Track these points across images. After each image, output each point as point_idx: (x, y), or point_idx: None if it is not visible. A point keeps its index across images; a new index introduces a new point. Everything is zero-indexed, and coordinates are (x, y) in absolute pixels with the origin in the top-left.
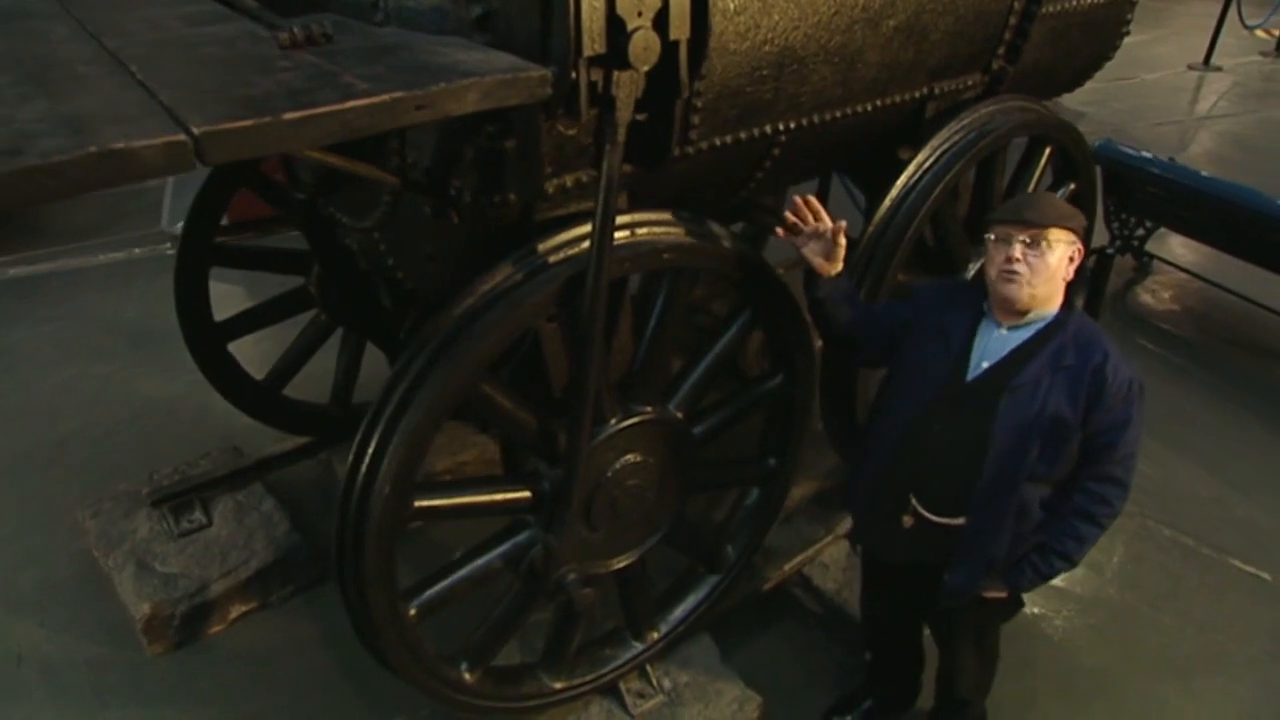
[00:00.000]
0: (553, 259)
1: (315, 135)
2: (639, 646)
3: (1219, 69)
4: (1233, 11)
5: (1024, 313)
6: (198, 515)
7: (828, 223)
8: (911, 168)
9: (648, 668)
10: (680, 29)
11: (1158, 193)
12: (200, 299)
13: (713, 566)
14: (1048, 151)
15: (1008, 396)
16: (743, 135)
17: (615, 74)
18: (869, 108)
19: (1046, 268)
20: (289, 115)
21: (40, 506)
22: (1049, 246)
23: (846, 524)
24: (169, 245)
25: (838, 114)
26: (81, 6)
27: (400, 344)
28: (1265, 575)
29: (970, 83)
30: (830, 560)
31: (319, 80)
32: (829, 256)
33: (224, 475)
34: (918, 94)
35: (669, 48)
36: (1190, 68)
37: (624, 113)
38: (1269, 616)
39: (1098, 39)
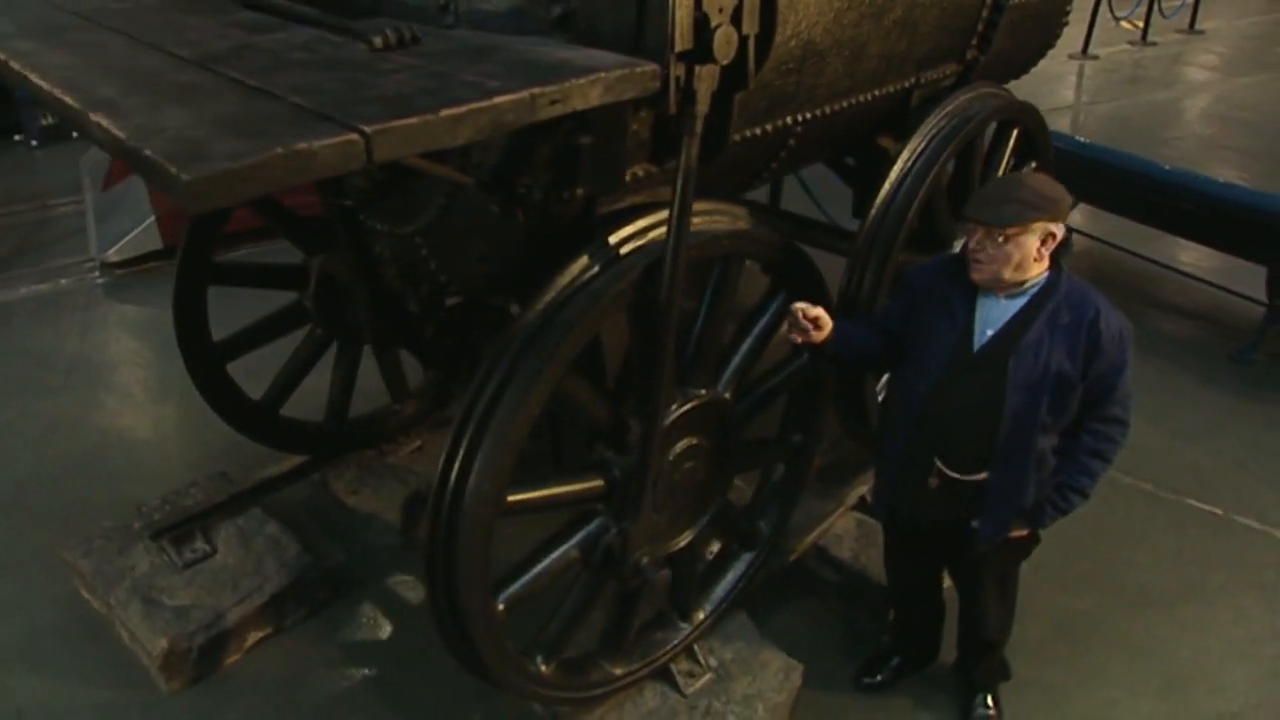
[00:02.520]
0: (624, 250)
1: (469, 131)
2: (686, 628)
3: (1096, 57)
4: (1104, 4)
5: (1008, 285)
6: (200, 544)
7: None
8: (906, 154)
9: (695, 647)
10: (751, 24)
11: (1074, 168)
12: (199, 320)
13: (747, 544)
14: (1015, 133)
15: (1014, 360)
16: (769, 127)
17: (696, 68)
18: (869, 97)
19: (1008, 257)
20: (446, 112)
21: (7, 554)
22: (1009, 240)
23: (854, 496)
24: (98, 274)
25: (844, 104)
26: (110, 20)
27: (425, 346)
28: (1218, 510)
29: (948, 72)
30: (842, 531)
31: (440, 80)
32: (819, 328)
33: (223, 501)
34: (907, 83)
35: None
36: (1071, 57)
37: (703, 105)
38: (1227, 547)
39: (1045, 29)
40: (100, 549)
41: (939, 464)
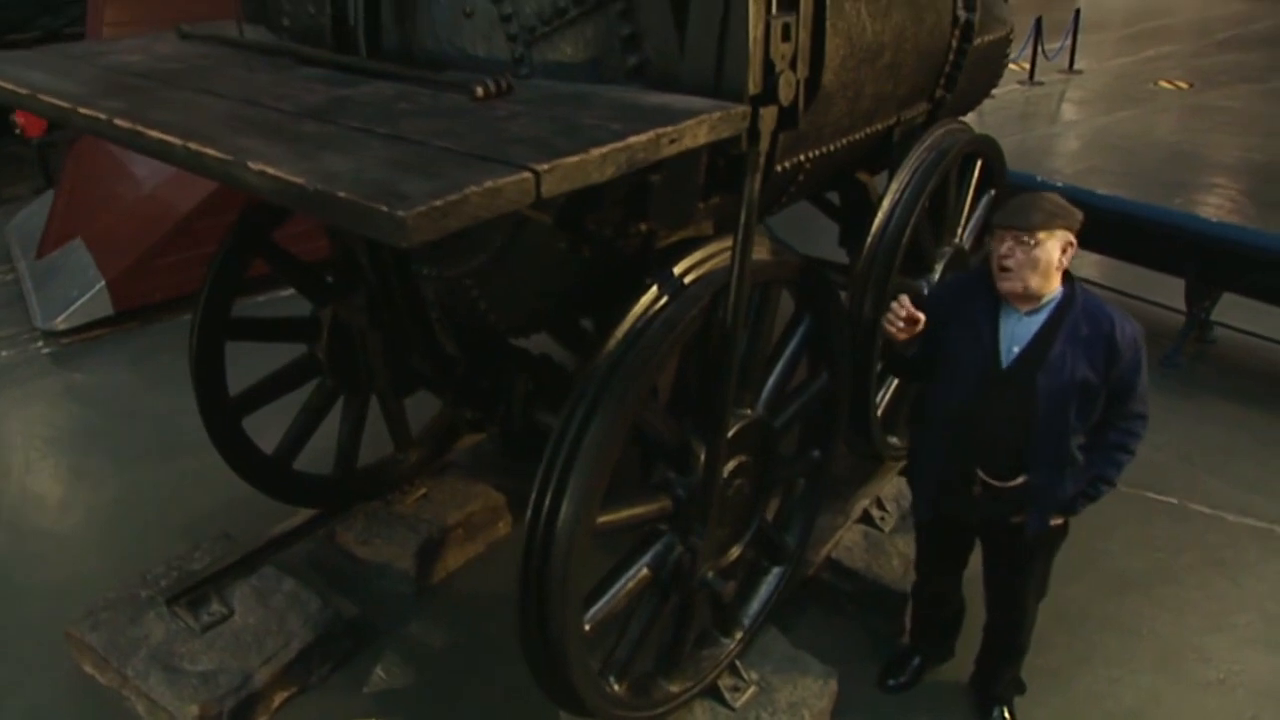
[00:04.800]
0: (688, 280)
1: (612, 168)
2: (729, 643)
3: (992, 96)
4: None
5: (1031, 299)
6: (217, 607)
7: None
8: (895, 186)
9: (736, 663)
10: (803, 69)
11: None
12: (218, 376)
13: (777, 558)
14: (979, 164)
15: (1042, 375)
16: (787, 164)
17: (760, 109)
18: (862, 135)
19: (1037, 263)
20: (596, 151)
21: None
22: (1038, 244)
23: (859, 509)
24: (42, 344)
25: (844, 141)
26: (177, 79)
27: (458, 386)
28: (1173, 500)
29: (921, 110)
30: (852, 544)
31: (563, 124)
32: (913, 325)
33: (236, 561)
34: (891, 121)
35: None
36: None
37: (765, 143)
38: (1188, 532)
39: (992, 69)
40: (108, 620)
41: (980, 474)
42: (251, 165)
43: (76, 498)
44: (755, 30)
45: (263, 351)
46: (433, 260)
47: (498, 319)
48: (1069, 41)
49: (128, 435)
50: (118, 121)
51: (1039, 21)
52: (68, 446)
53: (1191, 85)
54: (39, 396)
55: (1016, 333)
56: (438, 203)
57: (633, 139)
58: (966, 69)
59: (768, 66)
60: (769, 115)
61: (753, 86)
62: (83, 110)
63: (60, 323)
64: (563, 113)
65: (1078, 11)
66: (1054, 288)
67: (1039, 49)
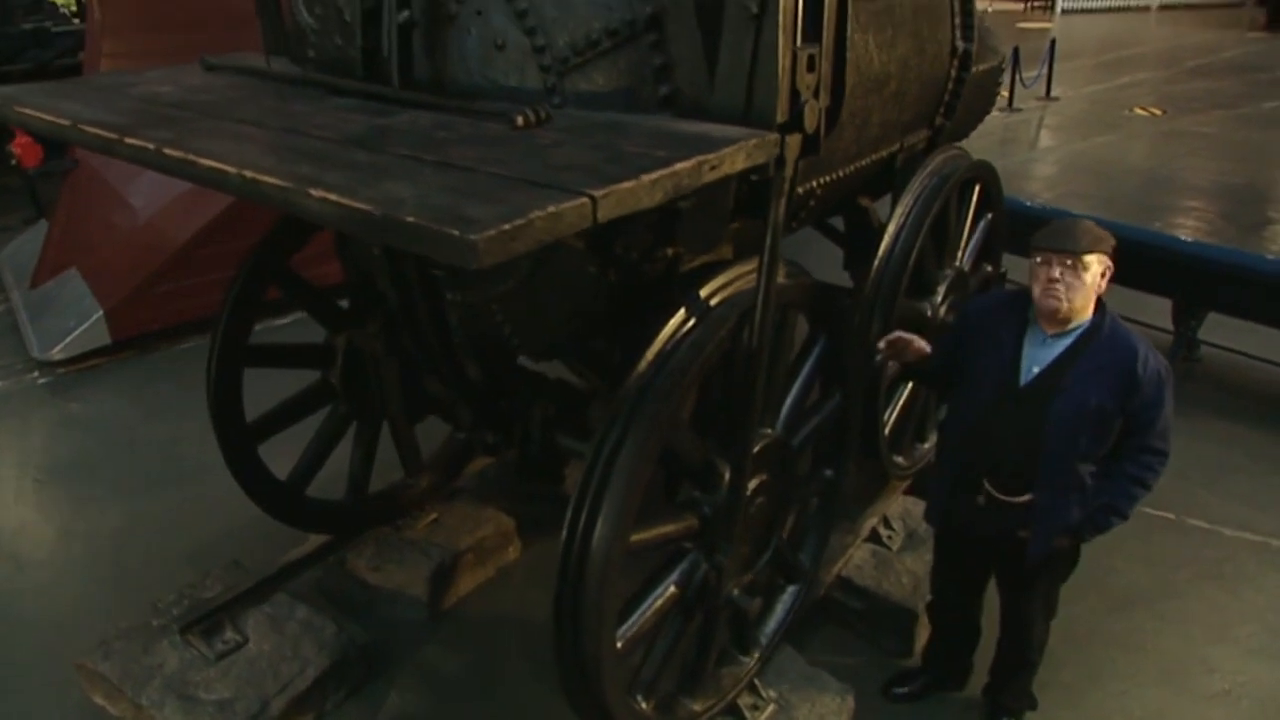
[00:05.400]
0: (713, 302)
1: (660, 194)
2: (748, 662)
3: None
4: None
5: (1065, 322)
6: (231, 635)
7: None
8: (900, 210)
9: (755, 681)
10: (825, 98)
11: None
12: (235, 402)
13: (792, 577)
14: (978, 188)
15: (1057, 398)
16: (800, 190)
17: (786, 137)
18: (868, 161)
19: (1083, 285)
20: (647, 177)
21: (5, 669)
22: (1084, 267)
23: (867, 528)
24: (38, 374)
25: (851, 168)
26: (215, 110)
27: (478, 409)
28: (1171, 515)
29: (922, 136)
30: (861, 562)
31: (608, 152)
32: (916, 350)
33: (250, 589)
34: (895, 148)
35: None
36: None
37: (790, 169)
38: (1186, 546)
39: (986, 96)
40: (121, 650)
41: (986, 485)
42: (313, 192)
43: (78, 528)
44: (784, 61)
45: (264, 377)
46: (458, 285)
47: (521, 342)
48: (1045, 70)
49: (127, 464)
50: (168, 151)
51: (1016, 51)
52: (67, 476)
53: (1165, 111)
54: (36, 427)
55: (1039, 354)
56: (506, 226)
57: (678, 165)
58: (964, 97)
59: (794, 95)
60: (794, 142)
61: (780, 115)
62: (129, 140)
63: (57, 353)
64: (603, 140)
65: (1053, 41)
66: (1088, 314)
67: (1017, 77)
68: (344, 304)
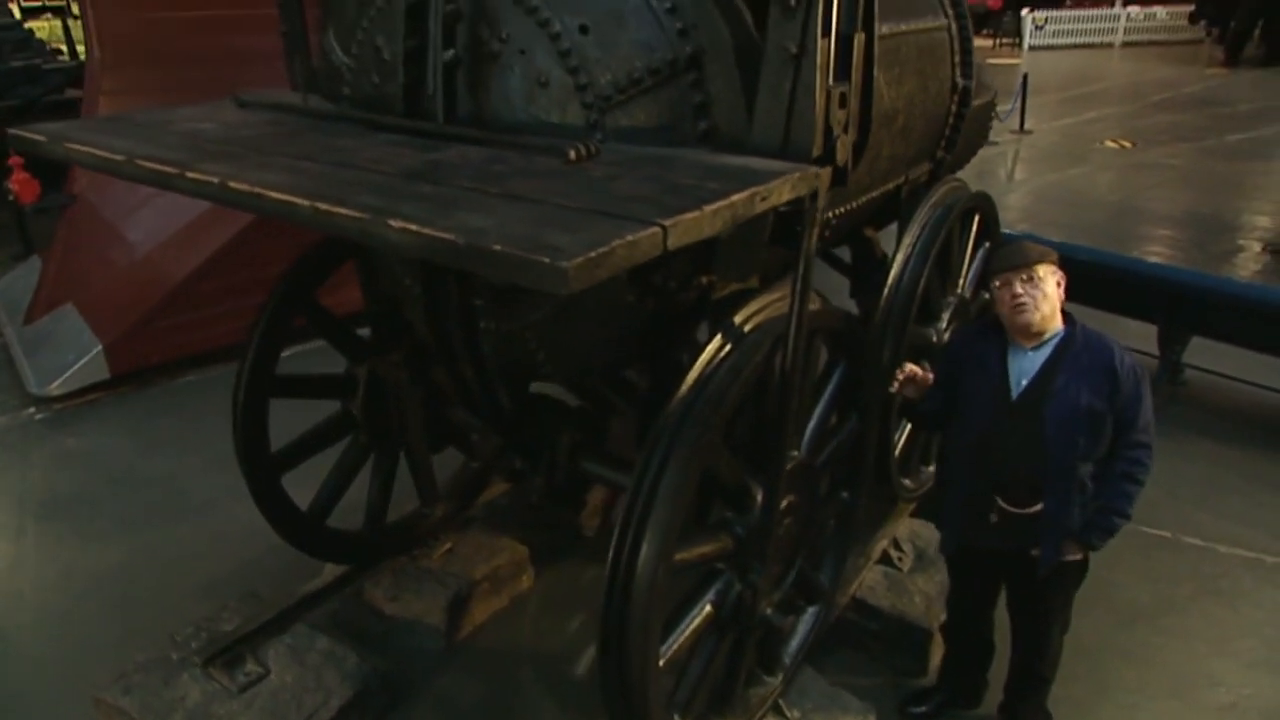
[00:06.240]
0: (747, 329)
1: (719, 223)
2: (773, 682)
3: None
4: None
5: (1039, 333)
6: (252, 666)
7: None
8: (908, 241)
9: (779, 701)
10: (854, 134)
11: None
12: (261, 433)
13: (811, 598)
14: (977, 219)
15: (1049, 403)
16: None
17: (818, 170)
18: (877, 193)
19: (1045, 294)
20: (709, 208)
21: (19, 704)
22: (1040, 278)
23: (879, 550)
24: (34, 409)
25: (863, 199)
26: (263, 145)
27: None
28: (1167, 534)
29: (924, 169)
30: (874, 583)
31: (663, 184)
32: (923, 379)
33: (270, 620)
34: (902, 180)
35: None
36: None
37: (822, 200)
38: (1184, 563)
39: (982, 129)
40: (141, 684)
41: (999, 501)
42: (393, 224)
43: (81, 563)
44: (820, 98)
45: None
46: (492, 314)
47: (554, 369)
48: (1019, 104)
49: (129, 499)
50: (233, 184)
51: None
52: (68, 512)
53: (1134, 144)
54: (35, 462)
55: (1024, 367)
56: (593, 254)
57: (735, 196)
58: (963, 131)
59: (827, 131)
60: (825, 175)
61: (816, 149)
62: (190, 175)
63: (56, 388)
64: (654, 173)
65: (1025, 76)
66: (1058, 323)
67: None
68: (364, 333)
